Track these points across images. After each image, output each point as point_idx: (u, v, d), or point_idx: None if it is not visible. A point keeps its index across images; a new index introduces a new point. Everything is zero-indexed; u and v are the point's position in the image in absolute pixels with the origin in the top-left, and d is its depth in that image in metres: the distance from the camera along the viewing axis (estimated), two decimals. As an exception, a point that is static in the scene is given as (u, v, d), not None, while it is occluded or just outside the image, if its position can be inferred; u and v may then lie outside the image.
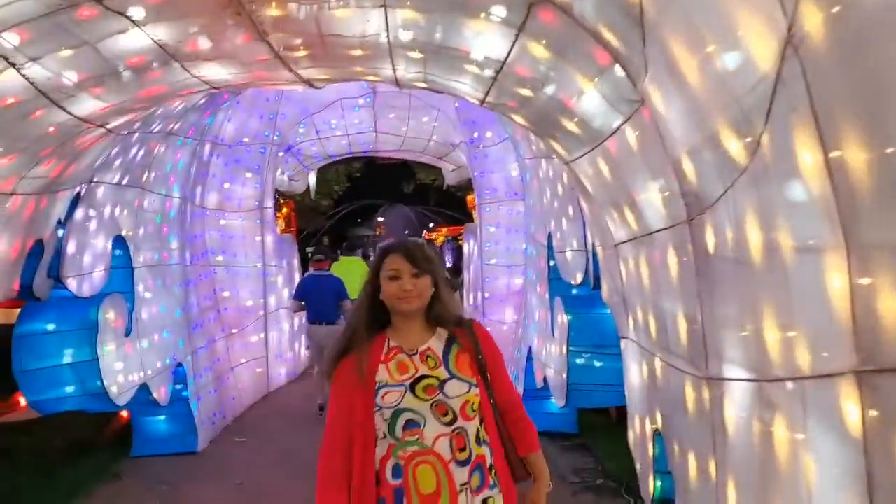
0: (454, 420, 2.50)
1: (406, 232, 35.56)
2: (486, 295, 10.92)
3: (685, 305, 2.94)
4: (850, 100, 1.66)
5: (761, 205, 2.12)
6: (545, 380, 7.03)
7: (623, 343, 4.37)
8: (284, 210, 20.36)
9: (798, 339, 2.02)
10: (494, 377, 2.67)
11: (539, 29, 3.08)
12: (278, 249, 11.30)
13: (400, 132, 11.94)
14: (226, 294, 9.83)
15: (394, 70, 4.11)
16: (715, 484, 2.66)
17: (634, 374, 4.08)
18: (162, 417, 7.56)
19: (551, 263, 6.89)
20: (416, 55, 3.80)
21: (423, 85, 4.41)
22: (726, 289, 2.48)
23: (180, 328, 7.79)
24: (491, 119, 10.00)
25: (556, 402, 6.74)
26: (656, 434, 3.66)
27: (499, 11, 3.10)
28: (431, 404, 2.49)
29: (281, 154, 11.43)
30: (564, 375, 6.29)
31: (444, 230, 31.00)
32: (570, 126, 3.61)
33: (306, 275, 9.89)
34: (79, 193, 5.64)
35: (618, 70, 2.91)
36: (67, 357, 6.15)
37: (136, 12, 3.16)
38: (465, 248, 12.86)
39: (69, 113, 3.60)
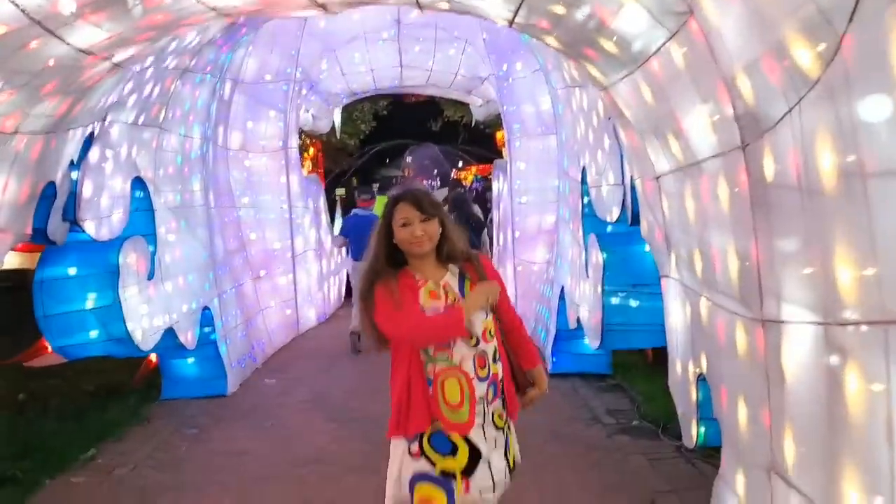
0: (477, 343, 2.90)
1: (434, 172, 35.11)
2: (517, 234, 10.65)
3: (737, 241, 2.66)
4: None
5: (837, 124, 1.83)
6: (578, 321, 6.80)
7: (664, 282, 4.11)
8: (311, 151, 20.09)
9: (879, 277, 1.75)
10: (500, 302, 3.01)
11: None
12: (304, 190, 11.10)
13: (426, 66, 11.55)
14: (252, 236, 9.69)
15: (414, -12, 3.79)
16: (769, 434, 2.43)
17: (676, 315, 3.82)
18: (191, 360, 7.49)
19: (585, 200, 6.59)
20: (439, -28, 3.49)
21: (446, 6, 4.08)
22: (788, 221, 2.20)
23: (206, 271, 7.66)
24: (520, 50, 9.57)
25: (591, 343, 6.52)
26: (700, 378, 3.42)
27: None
28: None
29: (304, 92, 11.12)
30: (599, 316, 6.05)
31: (474, 169, 30.57)
32: (608, 46, 3.29)
33: (351, 212, 10.16)
34: (92, 133, 5.43)
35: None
36: (90, 301, 6.04)
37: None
38: (495, 186, 12.54)
39: (67, 43, 3.35)
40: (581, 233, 6.61)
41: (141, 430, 6.54)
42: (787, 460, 2.26)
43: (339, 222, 13.56)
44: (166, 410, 7.05)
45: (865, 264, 1.81)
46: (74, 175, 5.40)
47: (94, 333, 6.09)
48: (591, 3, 3.16)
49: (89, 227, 5.57)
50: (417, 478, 2.85)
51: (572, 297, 7.02)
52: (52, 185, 4.79)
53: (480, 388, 2.88)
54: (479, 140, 24.57)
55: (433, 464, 2.84)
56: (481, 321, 2.90)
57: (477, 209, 12.63)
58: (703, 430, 3.48)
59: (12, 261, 8.53)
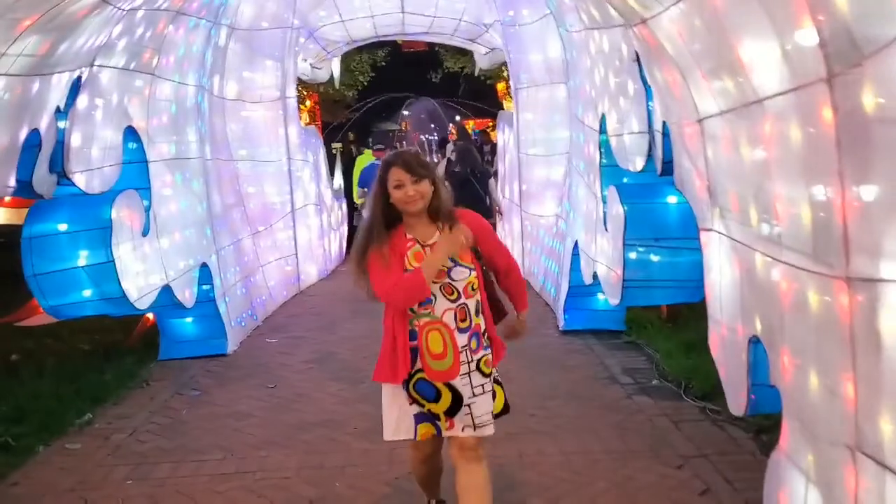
0: (458, 297, 3.21)
1: (432, 126, 34.60)
2: (524, 187, 10.31)
3: (813, 189, 2.34)
4: None
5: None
6: (595, 276, 6.50)
7: (705, 235, 3.78)
8: (308, 103, 19.62)
9: None
10: (491, 250, 3.38)
11: None
12: (304, 142, 10.71)
13: (428, 12, 11.08)
14: (250, 190, 9.33)
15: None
16: (854, 408, 2.13)
17: (721, 271, 3.51)
18: (189, 319, 7.22)
19: (603, 149, 6.25)
20: None
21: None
22: (893, 164, 1.88)
23: (203, 226, 7.33)
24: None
25: (610, 300, 6.23)
26: (753, 341, 3.12)
27: None
28: (441, 286, 3.19)
29: (302, 40, 10.67)
30: (619, 272, 5.75)
31: (472, 122, 30.14)
32: (654, -29, 2.93)
33: (368, 163, 10.46)
34: (79, 79, 5.04)
35: None
36: (82, 259, 5.72)
37: None
38: (500, 138, 12.16)
39: (46, -30, 2.99)
40: (598, 185, 6.28)
41: (139, 392, 6.28)
42: (884, 439, 1.97)
43: (338, 176, 13.22)
44: (165, 371, 6.78)
45: None
46: (62, 124, 5.03)
47: (87, 293, 5.79)
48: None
49: (79, 180, 5.22)
50: (419, 418, 3.26)
51: (588, 251, 6.71)
52: (36, 133, 4.42)
53: (462, 339, 3.20)
54: (479, 91, 24.07)
55: (422, 405, 3.24)
56: (464, 278, 3.20)
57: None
58: (753, 397, 3.20)
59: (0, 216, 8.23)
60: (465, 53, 17.76)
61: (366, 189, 9.62)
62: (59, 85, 4.56)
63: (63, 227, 5.70)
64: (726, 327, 3.50)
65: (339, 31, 11.48)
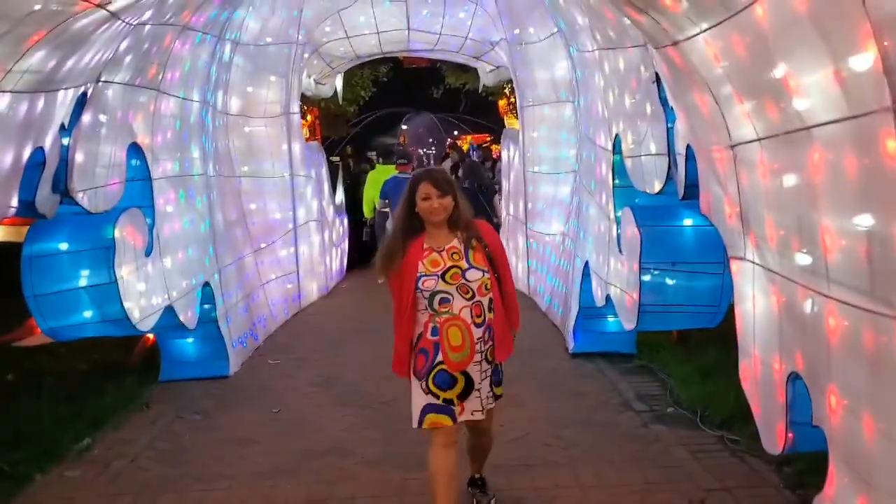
0: (473, 296, 3.71)
1: (430, 140, 34.59)
2: (529, 205, 10.19)
3: (870, 221, 2.21)
4: None
5: None
6: (608, 298, 6.36)
7: (735, 264, 3.65)
8: (309, 118, 19.51)
9: None
10: (500, 268, 3.84)
11: None
12: (307, 158, 10.58)
13: (434, 30, 11.00)
14: (253, 206, 9.19)
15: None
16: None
17: (756, 303, 3.37)
18: (190, 340, 7.06)
19: (616, 170, 6.12)
20: None
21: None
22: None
23: (206, 244, 7.18)
24: (535, 13, 9.04)
25: (625, 324, 6.09)
26: (793, 378, 2.98)
27: None
28: (457, 287, 3.69)
29: (307, 55, 10.56)
30: (635, 295, 5.61)
31: (469, 138, 30.14)
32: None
33: (391, 176, 10.55)
34: (84, 94, 4.90)
35: None
36: (83, 279, 5.55)
37: None
38: (504, 155, 12.05)
39: (56, -16, 2.86)
40: (612, 206, 6.15)
41: (140, 416, 6.11)
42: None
43: (340, 190, 13.08)
44: (166, 393, 6.61)
45: None
46: (66, 141, 4.87)
47: (87, 314, 5.62)
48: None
49: (83, 199, 5.06)
50: (427, 409, 3.72)
51: (600, 273, 6.57)
52: (40, 151, 4.27)
53: (477, 332, 3.70)
54: (481, 108, 24.02)
55: (437, 397, 3.70)
56: (478, 279, 3.69)
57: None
58: (791, 435, 3.05)
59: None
60: (467, 70, 17.69)
61: (388, 199, 10.01)
62: (64, 101, 4.42)
63: (64, 246, 5.54)
64: (761, 361, 3.36)
65: (344, 47, 11.39)
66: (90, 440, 5.48)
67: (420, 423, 3.74)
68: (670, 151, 4.72)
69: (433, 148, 33.40)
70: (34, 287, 5.41)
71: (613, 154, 6.06)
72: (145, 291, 5.96)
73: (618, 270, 6.04)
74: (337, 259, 12.36)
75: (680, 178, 4.49)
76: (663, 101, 4.76)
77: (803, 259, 2.76)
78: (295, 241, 10.09)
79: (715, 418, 5.42)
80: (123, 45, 4.98)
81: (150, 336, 7.02)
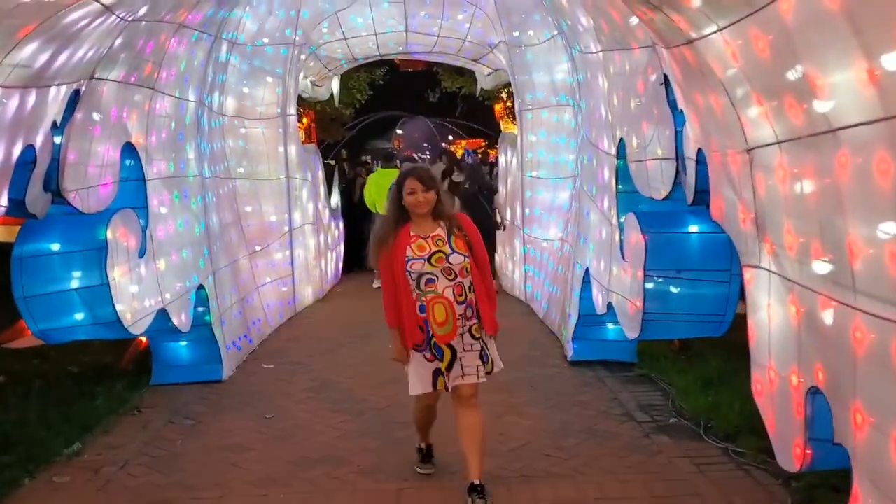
0: (455, 277, 4.18)
1: (425, 145, 34.50)
2: (527, 210, 10.09)
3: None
4: None
5: None
6: (609, 306, 6.25)
7: (748, 272, 3.54)
8: (305, 121, 19.40)
9: None
10: (476, 254, 4.28)
11: None
12: (303, 161, 10.46)
13: (432, 31, 10.89)
14: (248, 209, 9.06)
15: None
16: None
17: (772, 313, 3.26)
18: (183, 343, 6.92)
19: (619, 175, 6.01)
20: None
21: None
22: None
23: (201, 246, 7.06)
24: (534, 15, 8.95)
25: (627, 333, 5.97)
26: (812, 392, 2.87)
27: None
28: (441, 269, 4.16)
29: (304, 57, 10.45)
30: (639, 303, 5.49)
31: (464, 143, 30.10)
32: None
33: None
34: (77, 92, 4.78)
35: None
36: (75, 281, 5.43)
37: None
38: (501, 160, 11.95)
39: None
40: (614, 211, 6.04)
41: (131, 420, 5.96)
42: None
43: (336, 194, 12.95)
44: (157, 398, 6.46)
45: None
46: (58, 139, 4.75)
47: (79, 316, 5.50)
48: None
49: (75, 199, 4.94)
50: (436, 373, 4.21)
51: (601, 280, 6.46)
52: (31, 149, 4.15)
53: (459, 309, 4.17)
54: (477, 112, 23.95)
55: (440, 362, 4.18)
56: (459, 262, 4.17)
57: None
58: (810, 452, 2.94)
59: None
60: (464, 74, 17.63)
61: None
62: (56, 98, 4.30)
63: (56, 246, 5.42)
64: (777, 374, 3.25)
65: (342, 48, 11.28)
66: (80, 444, 5.34)
67: (434, 386, 4.21)
68: (678, 155, 4.62)
69: (427, 153, 33.32)
70: (24, 288, 5.29)
71: (617, 158, 5.96)
72: (138, 294, 5.84)
73: (621, 278, 5.93)
74: (332, 263, 12.24)
75: (690, 182, 4.38)
76: (671, 104, 4.66)
77: (825, 268, 2.66)
78: (290, 244, 9.97)
79: (719, 430, 5.31)
80: (118, 42, 4.88)
81: (143, 339, 6.88)
